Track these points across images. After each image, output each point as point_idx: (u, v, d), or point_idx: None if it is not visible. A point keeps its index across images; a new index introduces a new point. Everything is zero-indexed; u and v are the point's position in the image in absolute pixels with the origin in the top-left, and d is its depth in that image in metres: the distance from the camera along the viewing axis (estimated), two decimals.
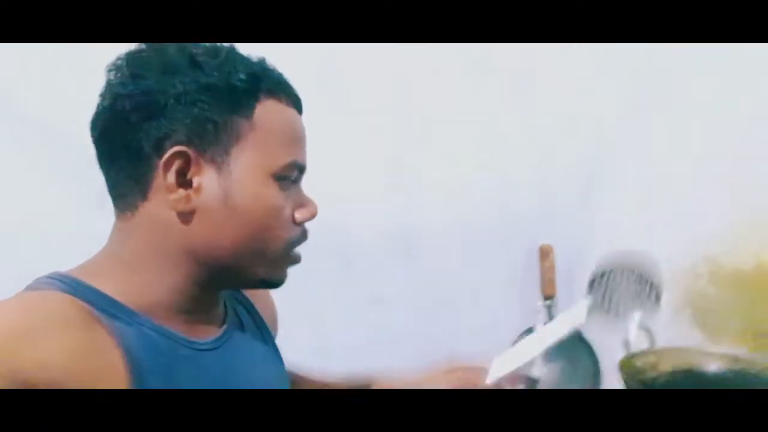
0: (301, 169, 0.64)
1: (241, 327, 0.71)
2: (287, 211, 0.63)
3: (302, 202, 0.65)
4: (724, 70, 1.04)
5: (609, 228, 1.36)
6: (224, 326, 0.67)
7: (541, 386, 1.34)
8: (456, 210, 1.44)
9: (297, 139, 0.64)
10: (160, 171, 0.58)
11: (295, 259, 0.66)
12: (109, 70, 0.60)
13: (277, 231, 0.62)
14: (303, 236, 0.65)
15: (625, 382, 0.92)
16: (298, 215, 0.64)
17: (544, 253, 1.48)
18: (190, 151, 0.58)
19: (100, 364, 0.52)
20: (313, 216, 0.65)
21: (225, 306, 0.70)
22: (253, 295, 0.77)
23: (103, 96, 0.60)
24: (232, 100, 0.59)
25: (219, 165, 0.59)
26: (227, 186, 0.59)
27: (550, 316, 1.48)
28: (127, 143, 0.58)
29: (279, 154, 0.61)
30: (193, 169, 0.58)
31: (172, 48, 0.60)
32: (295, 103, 0.66)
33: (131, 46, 0.61)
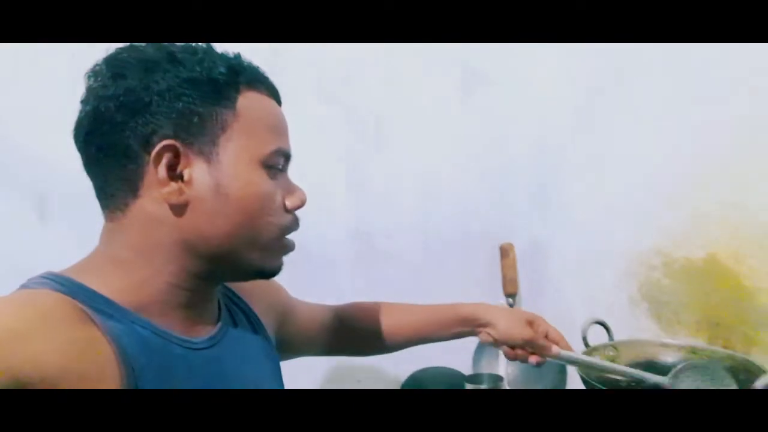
0: (287, 156, 0.66)
1: (235, 325, 0.72)
2: (278, 198, 0.64)
3: (291, 189, 0.67)
4: (676, 68, 1.06)
5: (567, 224, 1.37)
6: (218, 324, 0.68)
7: (506, 384, 1.34)
8: (414, 211, 1.44)
9: (280, 128, 0.66)
10: (151, 166, 0.59)
11: (289, 247, 0.68)
12: (89, 76, 0.61)
13: (269, 218, 0.63)
14: (295, 223, 0.67)
15: (586, 375, 0.93)
16: (289, 202, 0.65)
17: (505, 252, 1.49)
18: (179, 144, 0.59)
19: (94, 362, 0.52)
20: (303, 202, 0.67)
21: (219, 305, 0.71)
22: (246, 292, 0.78)
23: (85, 102, 0.61)
24: (215, 92, 0.61)
25: (207, 156, 0.60)
26: (218, 176, 0.60)
27: None
28: (114, 143, 0.59)
29: (265, 142, 0.63)
30: (182, 162, 0.60)
31: (149, 47, 0.61)
32: (274, 94, 0.68)
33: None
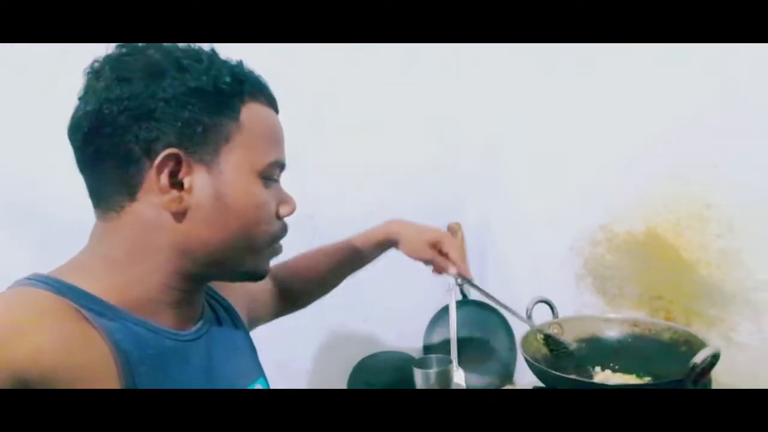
0: (282, 166, 0.69)
1: (217, 319, 0.75)
2: (272, 207, 0.66)
3: (284, 199, 0.69)
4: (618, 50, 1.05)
5: (513, 204, 1.36)
6: (202, 318, 0.70)
7: (457, 365, 1.33)
8: (362, 192, 1.41)
9: (279, 139, 0.68)
10: (152, 172, 0.59)
11: (277, 251, 0.70)
12: (89, 73, 0.60)
13: (263, 226, 0.65)
14: (284, 230, 0.70)
15: (529, 354, 0.92)
16: (282, 210, 0.68)
17: (452, 231, 1.48)
18: (181, 153, 0.59)
19: (90, 357, 0.53)
20: (293, 211, 0.70)
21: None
22: (221, 286, 0.80)
23: (85, 100, 0.60)
24: (220, 102, 0.61)
25: (209, 165, 0.61)
26: (218, 185, 0.61)
27: (463, 294, 1.49)
28: (116, 146, 0.59)
29: (264, 154, 0.64)
30: (184, 170, 0.60)
31: (154, 51, 0.60)
32: (273, 103, 0.69)
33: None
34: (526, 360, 0.90)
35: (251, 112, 0.64)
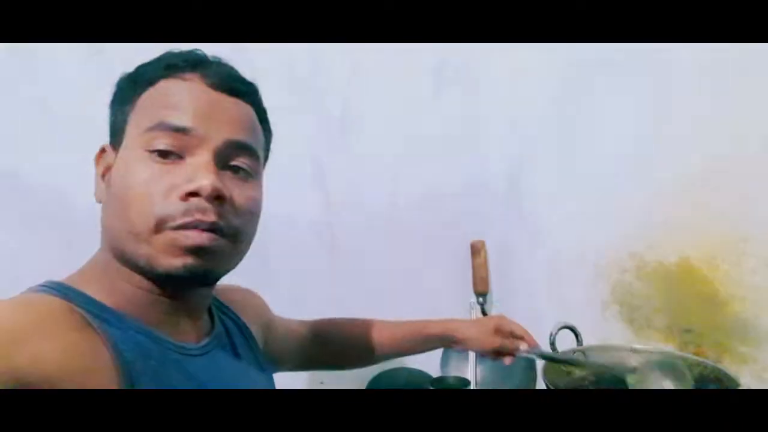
0: (178, 130, 0.57)
1: (229, 337, 0.72)
2: (157, 185, 0.56)
3: (189, 176, 0.57)
4: (650, 68, 1.02)
5: (538, 225, 1.33)
6: (212, 333, 0.68)
7: (475, 385, 1.31)
8: (383, 204, 1.40)
9: (173, 103, 0.59)
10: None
11: (183, 243, 0.56)
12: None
13: (139, 205, 0.56)
14: (185, 215, 0.56)
15: (551, 381, 0.89)
16: (184, 188, 0.56)
17: (476, 250, 1.45)
18: (106, 146, 0.62)
19: (92, 365, 0.52)
20: (191, 191, 0.56)
21: (213, 316, 0.71)
22: (236, 304, 0.77)
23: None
24: (129, 88, 0.62)
25: (118, 153, 0.60)
26: (114, 169, 0.60)
27: (484, 313, 1.46)
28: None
29: (146, 122, 0.58)
30: (110, 163, 0.61)
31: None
32: (206, 78, 0.61)
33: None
34: (547, 386, 0.88)
35: (155, 89, 0.60)
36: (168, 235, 0.56)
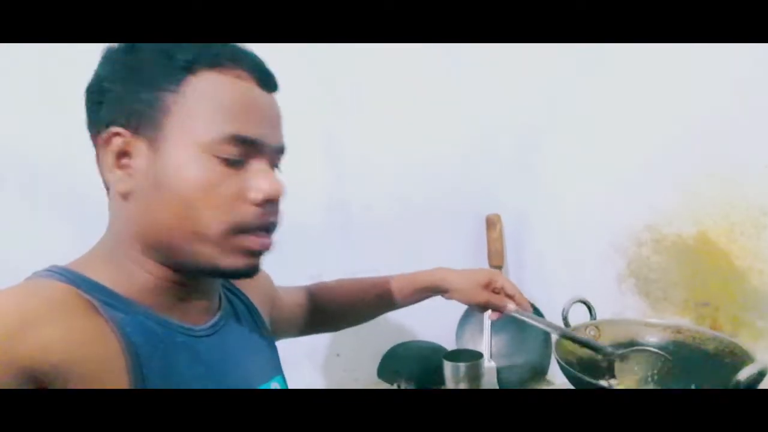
0: (248, 143, 0.59)
1: (236, 315, 0.72)
2: (228, 190, 0.58)
3: (258, 184, 0.59)
4: (670, 48, 0.99)
5: (553, 198, 1.32)
6: (219, 313, 0.68)
7: (489, 359, 1.31)
8: (398, 180, 1.39)
9: (237, 112, 0.59)
10: (101, 153, 0.59)
11: (252, 247, 0.60)
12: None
13: (211, 210, 0.57)
14: (262, 219, 0.60)
15: (562, 357, 0.89)
16: (252, 196, 0.59)
17: (491, 224, 1.44)
18: (122, 131, 0.58)
19: (100, 351, 0.52)
20: (268, 197, 0.60)
21: (219, 295, 0.71)
22: (242, 282, 0.78)
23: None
24: (163, 75, 0.58)
25: (151, 142, 0.57)
26: (157, 163, 0.57)
27: None
28: (90, 130, 0.61)
29: (209, 126, 0.57)
30: (128, 149, 0.58)
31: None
32: (253, 76, 0.61)
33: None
34: (559, 363, 0.87)
35: (201, 81, 0.58)
36: (240, 239, 0.59)
